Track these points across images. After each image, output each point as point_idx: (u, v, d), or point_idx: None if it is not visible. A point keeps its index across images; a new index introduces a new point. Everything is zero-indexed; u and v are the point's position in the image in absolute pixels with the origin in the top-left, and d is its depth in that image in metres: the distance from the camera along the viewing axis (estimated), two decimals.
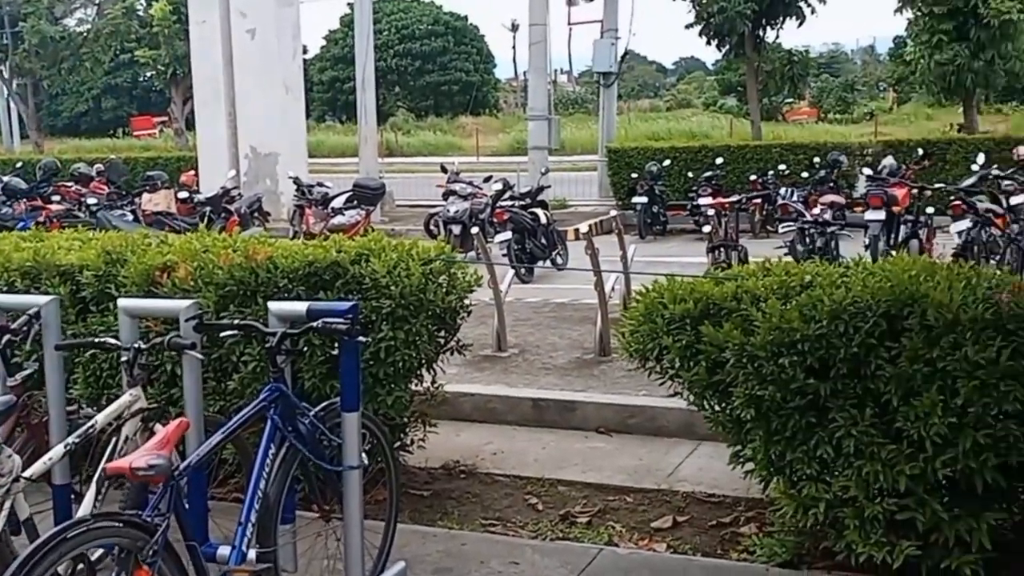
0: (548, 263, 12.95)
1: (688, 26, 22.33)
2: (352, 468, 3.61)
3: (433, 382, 5.11)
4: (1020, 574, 3.81)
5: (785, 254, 10.90)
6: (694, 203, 14.65)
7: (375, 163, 19.72)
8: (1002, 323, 3.50)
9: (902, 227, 10.39)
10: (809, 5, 21.43)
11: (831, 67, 65.20)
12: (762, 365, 3.82)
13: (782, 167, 17.54)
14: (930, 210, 9.20)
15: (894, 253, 5.60)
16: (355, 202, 14.13)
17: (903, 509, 3.67)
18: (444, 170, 15.94)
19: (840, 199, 11.98)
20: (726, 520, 4.71)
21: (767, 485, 4.17)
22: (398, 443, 4.90)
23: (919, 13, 20.90)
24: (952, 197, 10.52)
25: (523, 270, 12.03)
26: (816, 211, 10.78)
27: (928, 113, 39.23)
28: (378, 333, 4.44)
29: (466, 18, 56.54)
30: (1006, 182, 10.86)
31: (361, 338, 3.61)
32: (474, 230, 8.30)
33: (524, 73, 35.41)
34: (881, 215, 11.09)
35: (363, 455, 3.70)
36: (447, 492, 5.19)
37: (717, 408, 4.18)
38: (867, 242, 11.25)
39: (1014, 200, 10.59)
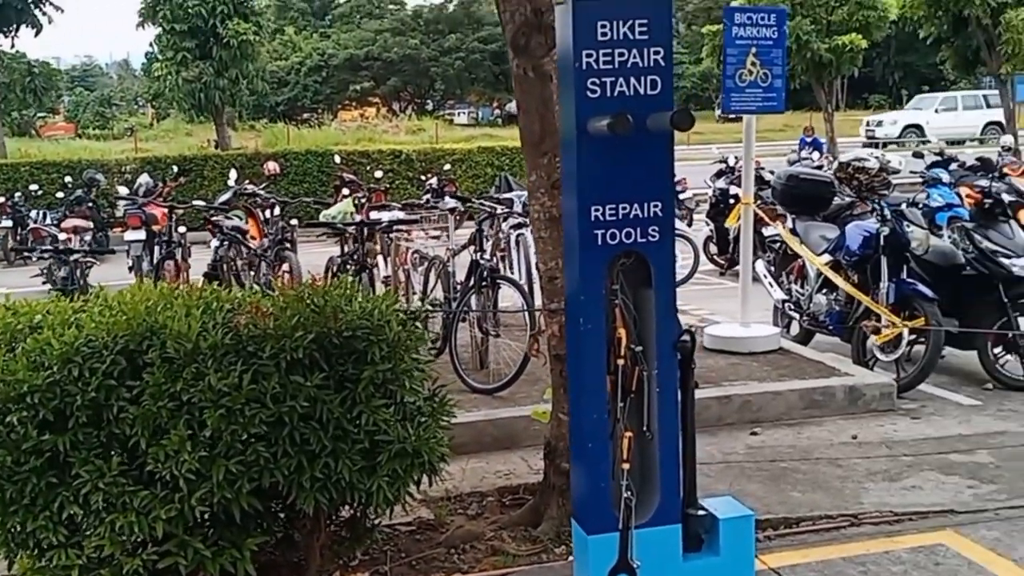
0: None
1: None
2: None
3: None
4: None
5: (43, 283, 10.01)
6: None
7: None
8: (242, 346, 3.45)
9: (157, 248, 10.23)
10: (45, 14, 20.15)
11: (86, 80, 63.15)
12: None
13: (34, 187, 16.27)
14: (182, 229, 9.19)
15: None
16: None
17: (165, 556, 3.43)
18: None
19: (85, 222, 11.41)
20: None
21: (12, 563, 3.59)
22: None
23: (162, 30, 21.12)
24: (211, 213, 10.72)
25: None
26: (63, 237, 10.06)
27: (188, 129, 40.17)
28: None
29: None
30: (260, 197, 11.43)
31: None
32: None
33: None
34: (141, 235, 10.88)
35: None
36: None
37: None
38: (131, 264, 10.96)
39: (269, 214, 11.21)
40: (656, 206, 2.79)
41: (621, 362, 2.85)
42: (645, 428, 2.88)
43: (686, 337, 2.99)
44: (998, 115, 32.81)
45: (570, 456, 3.12)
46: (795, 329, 7.95)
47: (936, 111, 33.46)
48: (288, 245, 8.47)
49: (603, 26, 2.61)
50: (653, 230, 2.81)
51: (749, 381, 6.43)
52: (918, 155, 11.74)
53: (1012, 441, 5.65)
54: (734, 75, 6.66)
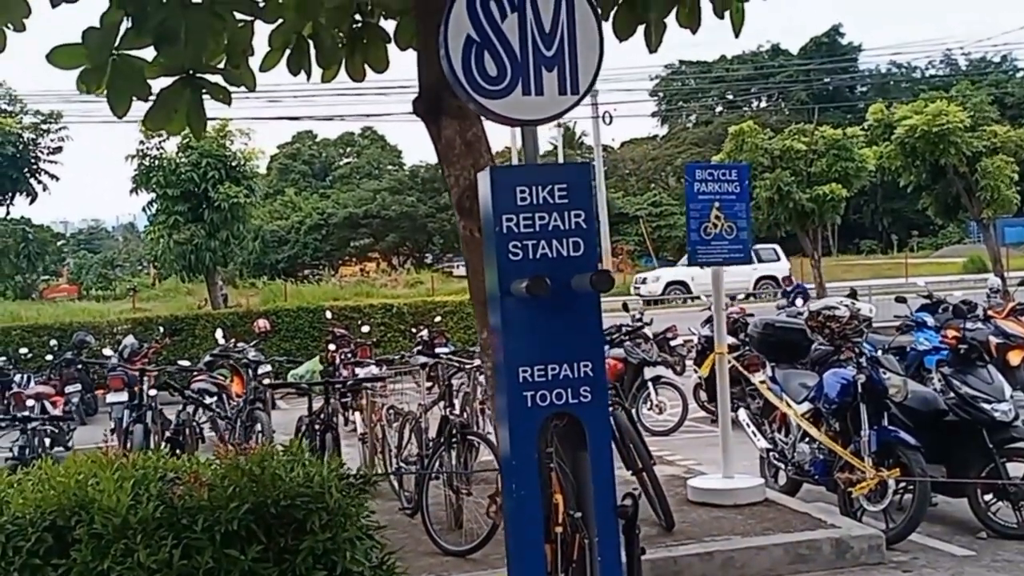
0: None
1: None
2: None
3: None
4: None
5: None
6: None
7: None
8: (175, 519, 3.33)
9: (127, 411, 10.11)
10: (40, 182, 20.67)
11: (91, 243, 64.32)
12: None
13: (24, 350, 16.27)
14: (152, 392, 9.13)
15: None
16: None
17: None
18: None
19: (50, 388, 11.39)
20: None
21: None
22: None
23: (156, 195, 21.62)
24: (194, 373, 10.68)
25: None
26: (30, 403, 9.94)
27: (188, 288, 40.51)
28: None
29: None
30: (235, 356, 11.42)
31: None
32: None
33: None
34: (123, 396, 10.79)
35: None
36: None
37: None
38: (113, 426, 10.84)
39: (261, 370, 11.18)
40: (586, 366, 2.73)
41: (560, 530, 2.74)
42: None
43: (627, 501, 2.88)
44: (771, 270, 31.27)
45: None
46: (783, 479, 7.74)
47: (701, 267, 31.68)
48: (260, 405, 8.38)
49: (522, 191, 2.62)
50: (585, 390, 2.74)
51: (732, 536, 6.21)
52: (900, 300, 11.76)
53: None
54: (698, 228, 6.74)
